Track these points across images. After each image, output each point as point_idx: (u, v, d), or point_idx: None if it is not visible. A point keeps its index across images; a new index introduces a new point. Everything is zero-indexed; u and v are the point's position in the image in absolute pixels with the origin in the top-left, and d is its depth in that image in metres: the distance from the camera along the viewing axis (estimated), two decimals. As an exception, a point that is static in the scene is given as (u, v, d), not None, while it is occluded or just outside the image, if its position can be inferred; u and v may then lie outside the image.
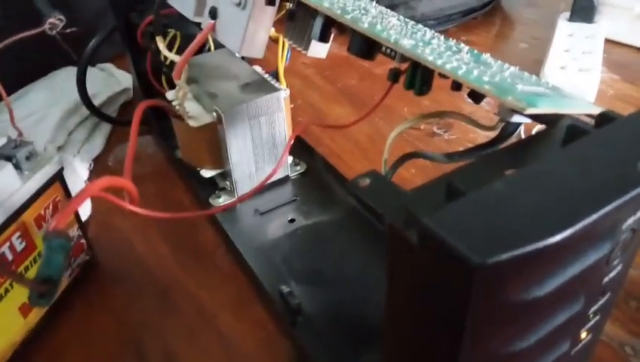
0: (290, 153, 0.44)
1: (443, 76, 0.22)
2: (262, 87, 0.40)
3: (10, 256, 0.30)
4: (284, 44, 0.39)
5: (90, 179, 0.45)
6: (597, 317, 0.21)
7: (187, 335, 0.33)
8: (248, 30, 0.32)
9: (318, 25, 0.28)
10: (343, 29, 0.27)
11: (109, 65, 0.56)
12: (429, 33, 0.26)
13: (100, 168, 0.47)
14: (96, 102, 0.48)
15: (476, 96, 0.23)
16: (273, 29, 0.37)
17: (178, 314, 0.34)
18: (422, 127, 0.50)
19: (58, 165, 0.33)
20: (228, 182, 0.41)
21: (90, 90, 0.46)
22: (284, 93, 0.39)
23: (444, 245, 0.14)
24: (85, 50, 0.45)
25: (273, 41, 0.40)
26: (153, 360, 0.32)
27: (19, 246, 0.31)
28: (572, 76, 0.52)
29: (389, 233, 0.17)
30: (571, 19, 0.59)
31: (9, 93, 0.43)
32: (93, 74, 0.53)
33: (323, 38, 0.28)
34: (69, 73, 0.52)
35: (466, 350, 0.15)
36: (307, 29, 0.32)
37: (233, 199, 0.41)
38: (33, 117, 0.45)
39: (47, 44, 0.51)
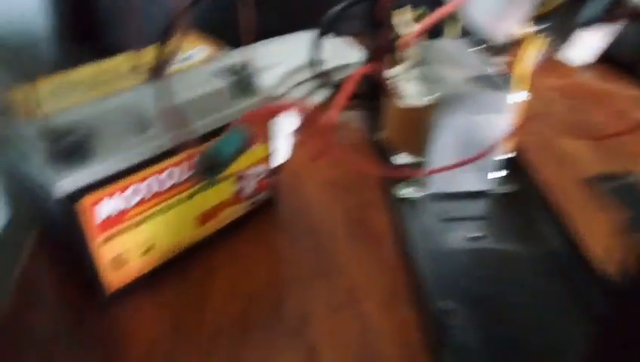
0: (503, 169, 0.38)
1: None
2: (492, 83, 0.35)
3: (205, 166, 0.32)
4: (534, 43, 0.34)
5: (294, 133, 0.47)
6: None
7: (330, 306, 0.31)
8: (501, 9, 0.28)
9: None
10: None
11: (349, 39, 0.58)
12: None
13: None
14: (325, 66, 0.50)
15: None
16: (531, 26, 0.32)
17: (329, 284, 0.32)
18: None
19: (269, 98, 0.34)
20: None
21: (323, 55, 0.48)
22: (515, 97, 0.34)
23: None
24: (327, 15, 0.47)
25: (522, 37, 0.36)
26: (288, 314, 0.30)
27: (215, 160, 0.32)
28: None
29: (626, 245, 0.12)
30: None
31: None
32: (332, 42, 0.54)
33: (607, 16, 0.22)
34: (309, 36, 0.55)
35: None
36: (572, 15, 0.27)
37: (421, 193, 0.38)
38: (266, 62, 0.48)
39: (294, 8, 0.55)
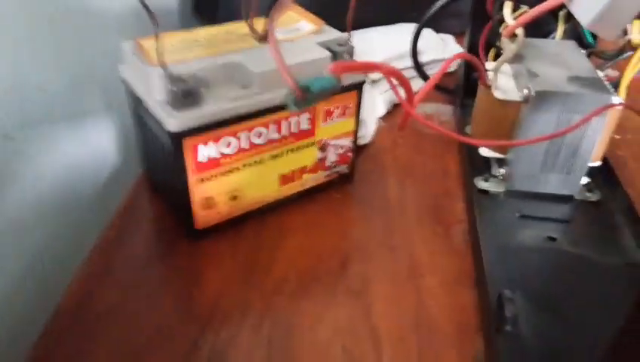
0: (589, 175, 0.37)
1: None
2: (592, 85, 0.34)
3: (293, 129, 0.34)
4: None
5: (384, 118, 0.48)
6: None
7: (389, 278, 0.32)
8: (610, 5, 0.28)
9: None
10: None
11: (448, 36, 0.58)
12: None
13: (397, 115, 0.50)
14: (422, 58, 0.51)
15: None
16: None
17: (393, 256, 0.34)
18: None
19: (364, 77, 0.36)
20: (503, 171, 0.38)
21: (420, 48, 0.49)
22: (613, 100, 0.33)
23: None
24: (428, 10, 0.48)
25: (634, 47, 0.34)
26: (351, 275, 0.32)
27: (304, 125, 0.35)
28: None
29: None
30: None
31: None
32: (431, 37, 0.55)
33: None
34: (410, 28, 0.55)
35: None
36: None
37: (499, 190, 0.38)
38: (364, 48, 0.50)
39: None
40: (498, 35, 0.42)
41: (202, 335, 0.28)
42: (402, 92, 0.25)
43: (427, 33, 0.54)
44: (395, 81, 0.23)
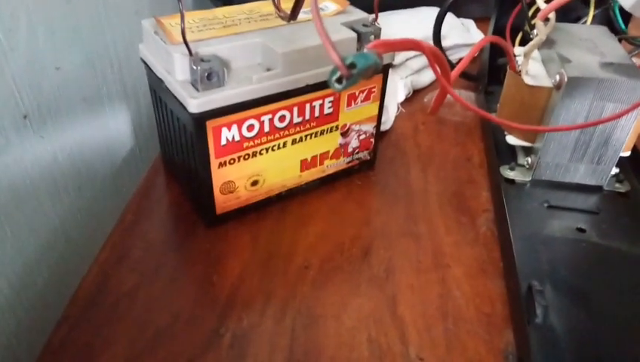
0: (618, 166, 0.36)
1: None
2: (627, 71, 0.33)
3: (317, 113, 0.33)
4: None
5: (402, 103, 0.47)
6: None
7: (414, 265, 0.31)
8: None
9: None
10: None
11: (469, 21, 0.57)
12: None
13: (417, 101, 0.49)
14: (444, 43, 0.49)
15: None
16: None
17: (416, 245, 0.33)
18: None
19: (390, 59, 0.34)
20: (529, 160, 0.37)
21: (442, 32, 0.48)
22: (653, 88, 0.32)
23: None
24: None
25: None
26: (375, 264, 0.31)
27: (327, 109, 0.34)
28: None
29: None
30: None
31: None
32: (453, 21, 0.54)
33: None
34: (431, 12, 0.54)
35: None
36: None
37: (526, 179, 0.37)
38: (388, 32, 0.48)
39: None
40: (527, 19, 0.41)
41: (224, 322, 0.28)
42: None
43: (449, 17, 0.52)
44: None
